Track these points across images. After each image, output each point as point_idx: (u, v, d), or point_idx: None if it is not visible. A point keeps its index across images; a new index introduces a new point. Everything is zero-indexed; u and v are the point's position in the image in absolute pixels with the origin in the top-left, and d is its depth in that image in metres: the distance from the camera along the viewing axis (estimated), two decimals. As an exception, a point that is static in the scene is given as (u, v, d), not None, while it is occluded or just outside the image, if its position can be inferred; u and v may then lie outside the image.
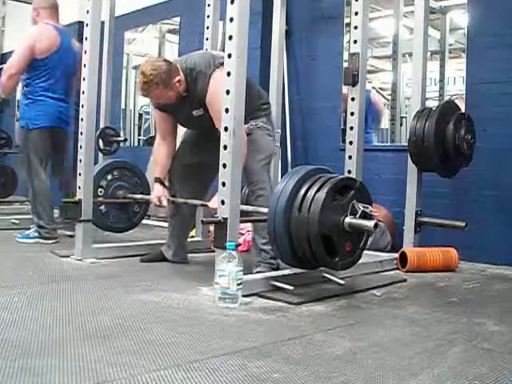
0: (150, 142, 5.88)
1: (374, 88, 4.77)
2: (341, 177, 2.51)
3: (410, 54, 4.01)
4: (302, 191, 2.39)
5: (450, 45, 4.15)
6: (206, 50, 3.71)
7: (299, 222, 2.35)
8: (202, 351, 1.70)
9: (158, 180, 3.07)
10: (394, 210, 3.87)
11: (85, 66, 3.15)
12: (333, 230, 2.36)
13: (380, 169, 4.08)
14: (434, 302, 2.52)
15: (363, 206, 2.39)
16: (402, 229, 3.53)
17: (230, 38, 2.43)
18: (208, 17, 3.80)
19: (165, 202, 3.05)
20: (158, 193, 3.07)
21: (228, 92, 2.44)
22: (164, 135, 3.10)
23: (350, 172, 3.09)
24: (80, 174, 3.15)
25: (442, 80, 4.14)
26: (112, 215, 3.61)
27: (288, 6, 4.35)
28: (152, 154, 4.56)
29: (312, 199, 2.35)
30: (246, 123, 2.63)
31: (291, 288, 2.45)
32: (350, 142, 3.12)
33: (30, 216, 3.87)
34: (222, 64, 2.76)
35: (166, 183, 3.13)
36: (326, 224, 2.33)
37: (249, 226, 3.67)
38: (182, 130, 3.23)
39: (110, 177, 3.61)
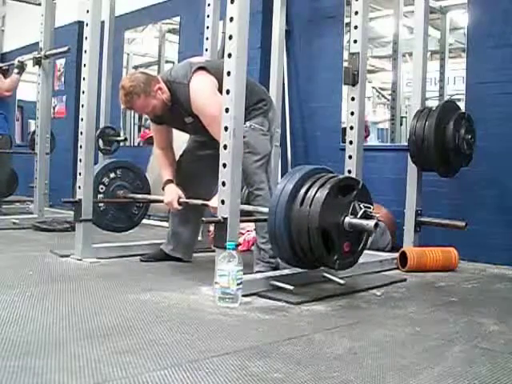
0: (150, 141, 5.87)
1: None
2: (343, 176, 2.51)
3: (410, 54, 4.01)
4: (303, 190, 2.39)
5: (450, 45, 4.15)
6: (206, 50, 3.71)
7: (300, 216, 2.36)
8: (202, 351, 1.70)
9: (170, 181, 3.07)
10: (394, 209, 3.87)
11: (85, 65, 3.15)
12: (333, 228, 2.36)
13: (380, 169, 4.07)
14: (434, 302, 2.51)
15: (365, 206, 2.40)
16: (402, 228, 3.53)
17: (230, 37, 2.43)
18: (208, 17, 3.80)
19: (176, 205, 3.01)
20: (171, 194, 3.01)
21: (228, 92, 2.44)
22: (162, 147, 3.15)
23: (350, 172, 3.09)
24: (80, 174, 3.15)
25: (442, 80, 4.14)
26: (112, 214, 3.60)
27: (288, 6, 4.35)
28: (152, 154, 4.58)
29: (313, 197, 2.35)
30: None
31: (291, 288, 2.45)
32: (350, 142, 3.11)
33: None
34: (199, 68, 2.84)
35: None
36: (327, 219, 2.34)
37: (249, 225, 3.67)
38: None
39: (112, 175, 3.59)
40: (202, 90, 2.80)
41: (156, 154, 3.19)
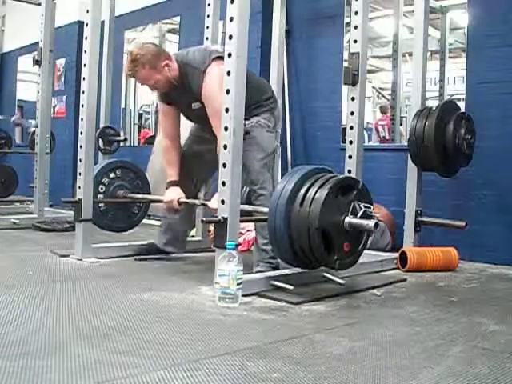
0: (149, 141, 5.88)
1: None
2: (343, 176, 2.51)
3: (410, 54, 4.01)
4: (303, 190, 2.39)
5: (450, 44, 4.15)
6: (209, 43, 3.73)
7: (300, 216, 2.36)
8: (202, 351, 1.70)
9: (174, 183, 3.06)
10: (394, 209, 3.87)
11: (85, 65, 3.14)
12: (333, 228, 2.36)
13: (380, 169, 4.07)
14: (433, 302, 2.51)
15: (365, 206, 2.40)
16: (402, 228, 3.53)
17: (230, 37, 2.43)
18: (208, 16, 3.80)
19: (175, 204, 3.02)
20: (172, 194, 3.03)
21: (228, 91, 2.44)
22: (170, 136, 3.09)
23: (350, 172, 3.09)
24: (80, 174, 3.15)
25: (442, 80, 4.14)
26: (112, 214, 3.59)
27: (288, 6, 4.35)
28: (152, 153, 4.58)
29: (313, 197, 2.35)
30: (246, 119, 2.62)
31: (291, 288, 2.45)
32: (350, 142, 3.11)
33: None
34: (218, 58, 2.78)
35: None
36: (327, 219, 2.34)
37: (249, 225, 3.67)
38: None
39: (111, 175, 3.59)
40: (216, 81, 2.71)
41: (163, 146, 3.12)
